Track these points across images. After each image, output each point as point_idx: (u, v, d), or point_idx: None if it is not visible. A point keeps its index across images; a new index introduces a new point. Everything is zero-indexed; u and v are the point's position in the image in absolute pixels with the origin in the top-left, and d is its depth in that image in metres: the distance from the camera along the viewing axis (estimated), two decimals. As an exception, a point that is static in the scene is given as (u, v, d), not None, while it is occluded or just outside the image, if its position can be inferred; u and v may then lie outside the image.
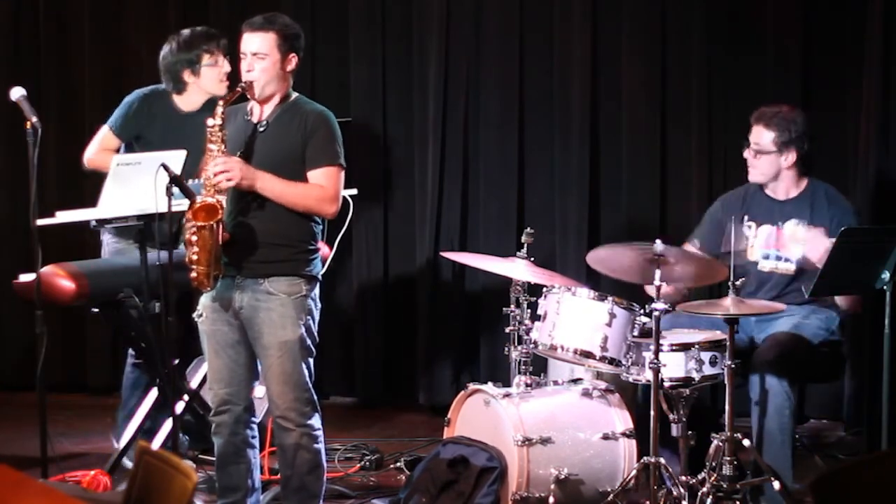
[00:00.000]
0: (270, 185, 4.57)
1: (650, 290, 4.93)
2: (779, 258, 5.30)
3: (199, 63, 5.63)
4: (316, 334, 4.72)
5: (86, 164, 5.74)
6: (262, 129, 4.67)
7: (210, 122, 4.58)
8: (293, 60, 4.67)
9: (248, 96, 4.68)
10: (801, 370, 5.16)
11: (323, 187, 4.62)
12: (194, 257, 4.53)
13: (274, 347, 4.61)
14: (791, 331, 5.17)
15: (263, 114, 4.69)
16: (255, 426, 4.82)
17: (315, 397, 4.74)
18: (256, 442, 4.84)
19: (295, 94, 4.73)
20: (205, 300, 4.71)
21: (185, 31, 5.73)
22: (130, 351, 5.78)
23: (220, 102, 4.62)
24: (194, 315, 4.75)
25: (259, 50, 4.62)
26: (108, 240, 5.74)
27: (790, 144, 5.25)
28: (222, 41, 5.64)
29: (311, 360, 4.70)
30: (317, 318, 4.72)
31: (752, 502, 5.07)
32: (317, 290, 4.72)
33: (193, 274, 4.55)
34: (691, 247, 5.42)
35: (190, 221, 4.52)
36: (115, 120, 5.71)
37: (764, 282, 5.30)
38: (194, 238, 4.51)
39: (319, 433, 4.74)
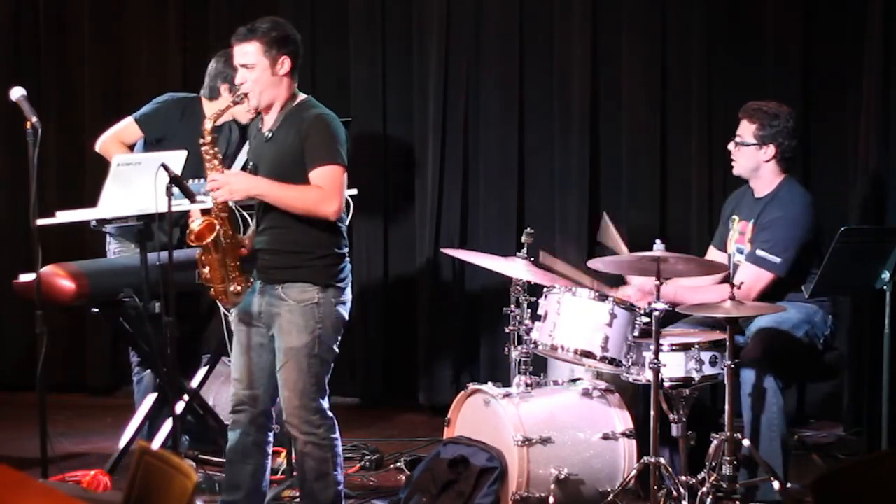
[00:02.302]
0: (267, 190, 4.54)
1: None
2: (745, 253, 5.32)
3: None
4: (332, 346, 4.62)
5: (97, 146, 5.70)
6: (268, 137, 4.65)
7: (200, 140, 4.59)
8: (285, 63, 4.58)
9: (248, 107, 4.67)
10: (787, 366, 5.13)
11: (320, 188, 4.52)
12: (207, 276, 4.60)
13: (282, 352, 4.60)
14: (772, 325, 5.17)
15: (269, 122, 4.67)
16: (271, 432, 4.77)
17: (324, 407, 4.64)
18: (270, 448, 4.79)
19: (301, 97, 4.66)
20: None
21: None
22: (134, 361, 5.77)
23: (210, 117, 4.60)
24: (230, 317, 4.78)
25: (247, 61, 4.57)
26: (113, 248, 5.73)
27: (769, 139, 5.25)
28: None
29: (322, 371, 4.61)
30: (334, 327, 4.61)
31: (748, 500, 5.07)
32: (341, 298, 4.61)
33: (212, 292, 4.63)
34: (713, 248, 5.50)
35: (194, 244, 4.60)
36: (144, 115, 5.69)
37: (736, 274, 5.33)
38: (203, 258, 4.58)
39: (328, 443, 4.64)
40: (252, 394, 4.70)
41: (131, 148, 5.68)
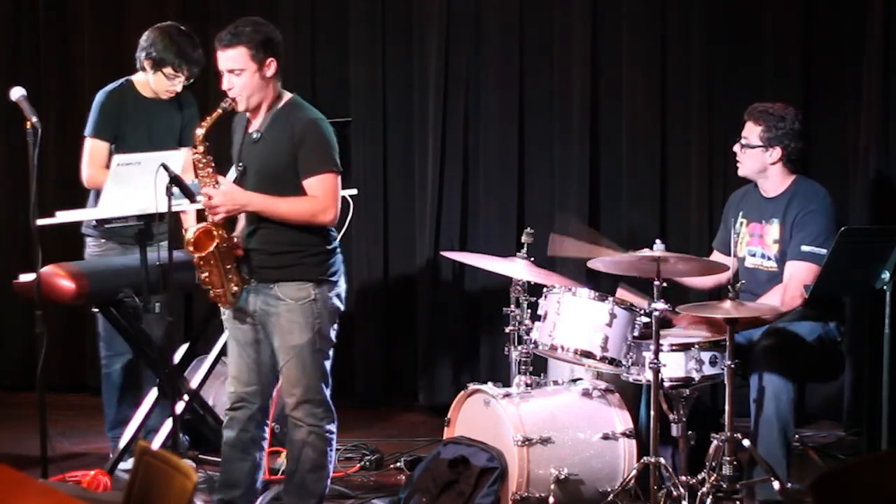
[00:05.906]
0: (261, 207, 4.58)
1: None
2: (763, 256, 5.31)
3: (160, 68, 5.58)
4: (330, 336, 4.71)
5: (86, 184, 5.63)
6: (255, 139, 4.64)
7: (192, 149, 4.59)
8: (272, 65, 4.59)
9: (235, 111, 4.65)
10: (797, 363, 5.15)
11: (315, 198, 4.57)
12: (206, 280, 4.59)
13: (284, 351, 4.65)
14: (787, 327, 5.19)
15: (255, 123, 4.67)
16: (266, 428, 4.83)
17: (328, 399, 4.74)
18: (265, 444, 4.85)
19: (287, 97, 4.67)
20: None
21: (180, 40, 5.62)
22: (103, 353, 5.77)
23: (200, 132, 4.56)
24: (222, 315, 4.76)
25: (234, 66, 4.56)
26: (90, 250, 5.68)
27: (775, 141, 5.25)
28: (195, 70, 5.60)
29: (325, 363, 4.71)
30: (331, 318, 4.69)
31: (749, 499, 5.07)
32: (335, 291, 4.69)
33: (212, 294, 4.62)
34: (717, 252, 5.49)
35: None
36: (94, 125, 5.61)
37: (751, 278, 5.32)
38: (202, 263, 4.57)
39: (331, 437, 4.74)
40: (251, 390, 4.74)
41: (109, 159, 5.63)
